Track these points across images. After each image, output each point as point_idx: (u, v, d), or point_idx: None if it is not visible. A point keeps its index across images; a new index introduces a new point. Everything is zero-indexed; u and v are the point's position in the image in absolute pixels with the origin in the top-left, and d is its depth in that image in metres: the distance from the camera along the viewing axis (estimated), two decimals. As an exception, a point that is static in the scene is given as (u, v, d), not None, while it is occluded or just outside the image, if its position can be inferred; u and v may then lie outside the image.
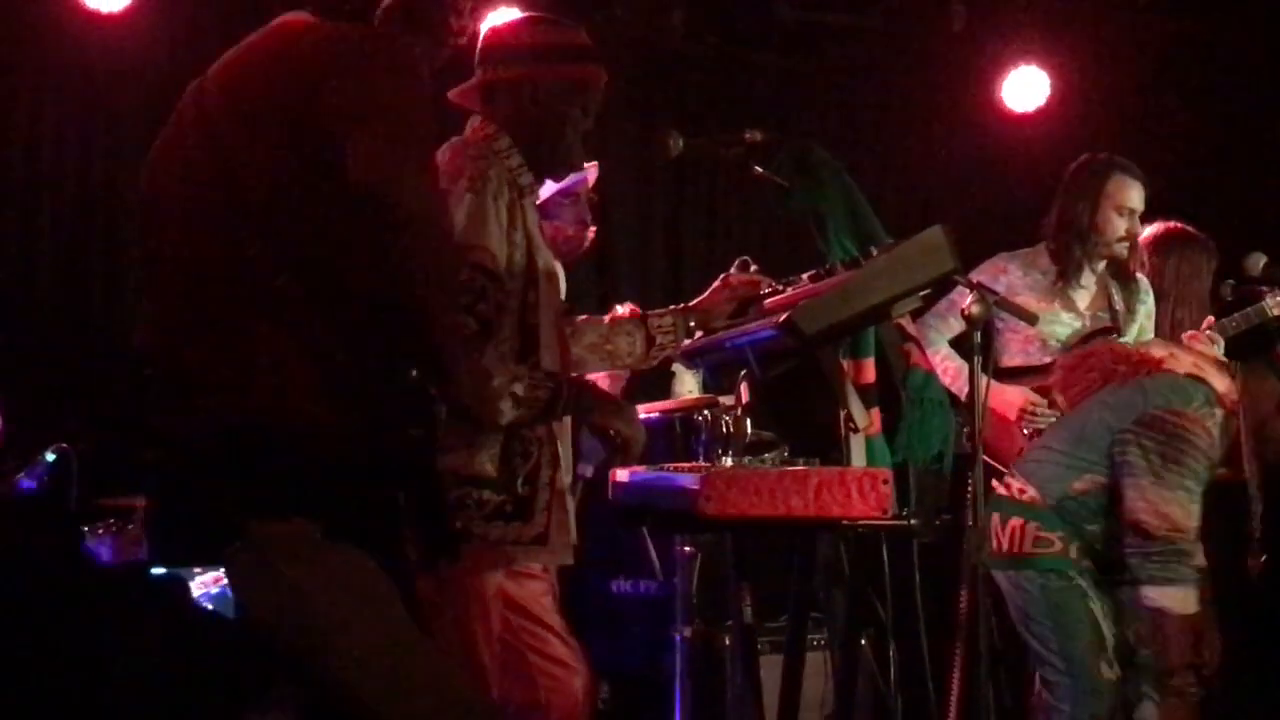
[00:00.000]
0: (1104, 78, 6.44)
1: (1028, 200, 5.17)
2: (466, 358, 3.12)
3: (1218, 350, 4.83)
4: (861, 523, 3.58)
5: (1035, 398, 4.91)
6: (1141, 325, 5.09)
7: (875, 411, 4.31)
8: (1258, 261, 4.51)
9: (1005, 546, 4.22)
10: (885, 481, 3.51)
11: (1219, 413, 4.16)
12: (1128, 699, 4.18)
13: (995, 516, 4.24)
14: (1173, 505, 4.05)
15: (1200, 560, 4.08)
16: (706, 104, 5.43)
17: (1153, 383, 4.22)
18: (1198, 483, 4.09)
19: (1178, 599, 4.04)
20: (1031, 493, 4.22)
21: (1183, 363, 4.26)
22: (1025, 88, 6.40)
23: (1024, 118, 6.44)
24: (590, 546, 5.38)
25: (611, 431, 3.49)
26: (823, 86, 6.02)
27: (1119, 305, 5.10)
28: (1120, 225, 5.00)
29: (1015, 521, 4.21)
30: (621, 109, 3.71)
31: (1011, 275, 5.14)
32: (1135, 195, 4.96)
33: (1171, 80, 6.51)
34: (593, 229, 4.68)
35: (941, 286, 3.68)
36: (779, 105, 5.65)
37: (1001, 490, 4.30)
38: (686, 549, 4.88)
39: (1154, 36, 6.53)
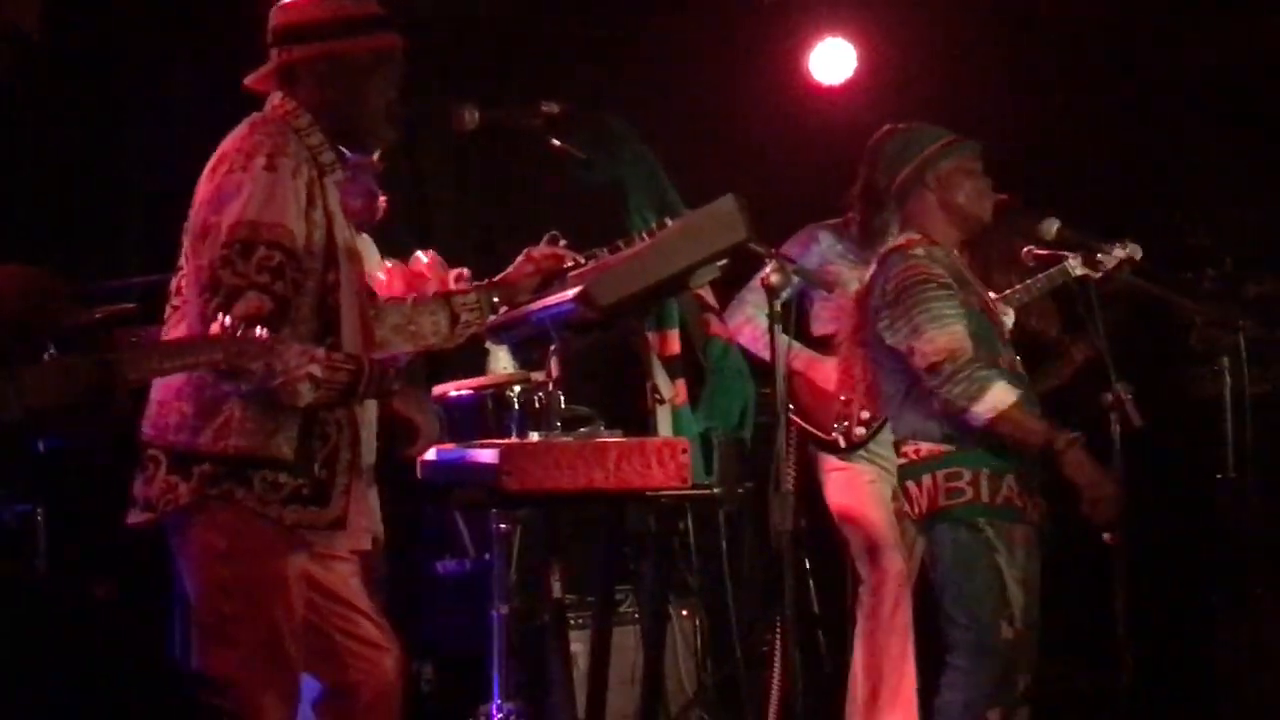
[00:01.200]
0: (911, 50, 6.51)
1: (838, 172, 5.19)
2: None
3: (1008, 321, 4.89)
4: (664, 493, 3.59)
5: None
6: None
7: (681, 382, 4.35)
8: (1051, 226, 4.56)
9: (923, 505, 4.25)
10: (684, 451, 3.53)
11: (919, 250, 4.24)
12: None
13: (910, 484, 4.28)
14: (936, 336, 4.11)
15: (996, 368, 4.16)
16: (507, 75, 5.39)
17: (874, 281, 4.30)
18: (944, 304, 4.14)
19: (997, 398, 4.09)
20: (924, 446, 4.26)
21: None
22: (832, 60, 6.44)
23: (832, 90, 6.48)
24: (416, 527, 5.40)
25: (410, 420, 3.47)
26: (629, 58, 6.01)
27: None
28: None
29: (926, 478, 4.25)
30: (425, 80, 3.67)
31: (823, 244, 5.19)
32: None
33: (981, 51, 6.61)
34: (383, 199, 4.63)
35: (737, 255, 3.69)
36: (584, 76, 5.64)
37: (902, 460, 4.33)
38: (502, 526, 4.86)
39: (962, 7, 6.62)
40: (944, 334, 4.12)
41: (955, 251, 4.33)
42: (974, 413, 4.08)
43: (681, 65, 6.25)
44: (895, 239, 4.33)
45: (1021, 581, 4.16)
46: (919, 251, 4.25)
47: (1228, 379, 4.72)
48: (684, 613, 5.30)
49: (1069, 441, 4.08)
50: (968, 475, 4.18)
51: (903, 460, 4.30)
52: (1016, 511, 4.20)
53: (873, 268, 4.36)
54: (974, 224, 4.36)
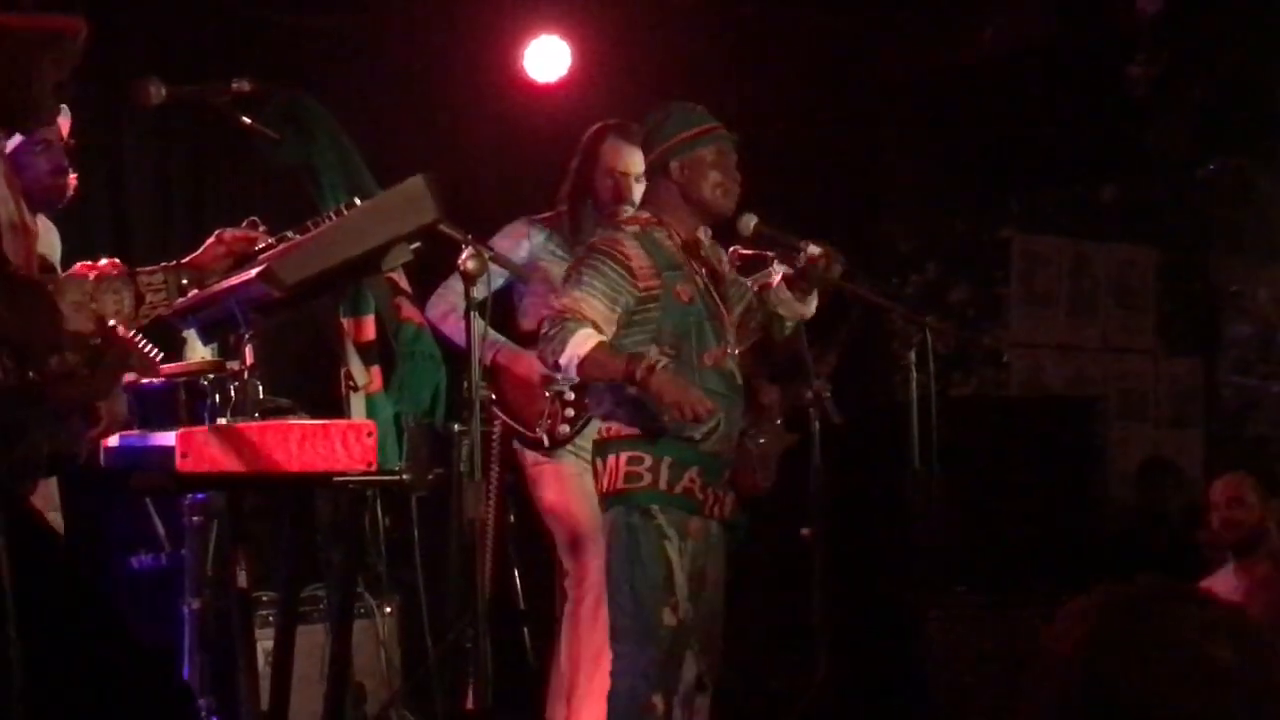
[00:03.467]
0: (626, 49, 6.56)
1: (551, 169, 5.19)
2: None
3: None
4: (350, 477, 3.53)
5: None
6: (746, 300, 5.19)
7: (376, 369, 4.30)
8: (748, 223, 4.58)
9: (605, 485, 4.25)
10: (370, 434, 3.49)
11: (632, 227, 4.27)
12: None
13: (597, 461, 4.27)
14: (558, 297, 4.16)
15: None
16: (210, 59, 5.27)
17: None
18: (602, 280, 4.15)
19: (578, 346, 4.08)
20: (615, 427, 4.25)
21: None
22: (547, 58, 6.45)
23: (546, 88, 6.49)
24: (111, 521, 5.23)
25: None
26: (337, 47, 5.93)
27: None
28: (613, 188, 5.08)
29: (611, 458, 4.25)
30: (120, 58, 3.58)
31: (534, 240, 5.16)
32: (628, 159, 5.04)
33: (696, 53, 6.71)
34: (73, 176, 4.48)
35: (432, 239, 3.66)
36: (291, 64, 5.53)
37: (597, 436, 4.32)
38: (195, 519, 4.73)
39: (677, 8, 6.71)
40: (572, 298, 4.14)
41: (684, 236, 4.34)
42: (563, 365, 4.10)
43: (392, 56, 6.18)
44: (622, 217, 4.36)
45: (691, 573, 4.21)
46: (629, 230, 4.26)
47: (914, 375, 4.83)
48: (387, 609, 5.24)
49: (648, 368, 4.09)
50: (649, 461, 4.21)
51: (597, 436, 4.32)
52: (695, 504, 4.24)
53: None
54: (715, 216, 4.38)
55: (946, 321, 5.56)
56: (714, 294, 4.37)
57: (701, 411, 4.07)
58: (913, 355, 4.86)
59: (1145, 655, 1.64)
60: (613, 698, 4.22)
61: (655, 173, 4.37)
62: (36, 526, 2.57)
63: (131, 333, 3.08)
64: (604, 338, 4.12)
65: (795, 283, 4.57)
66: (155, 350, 3.23)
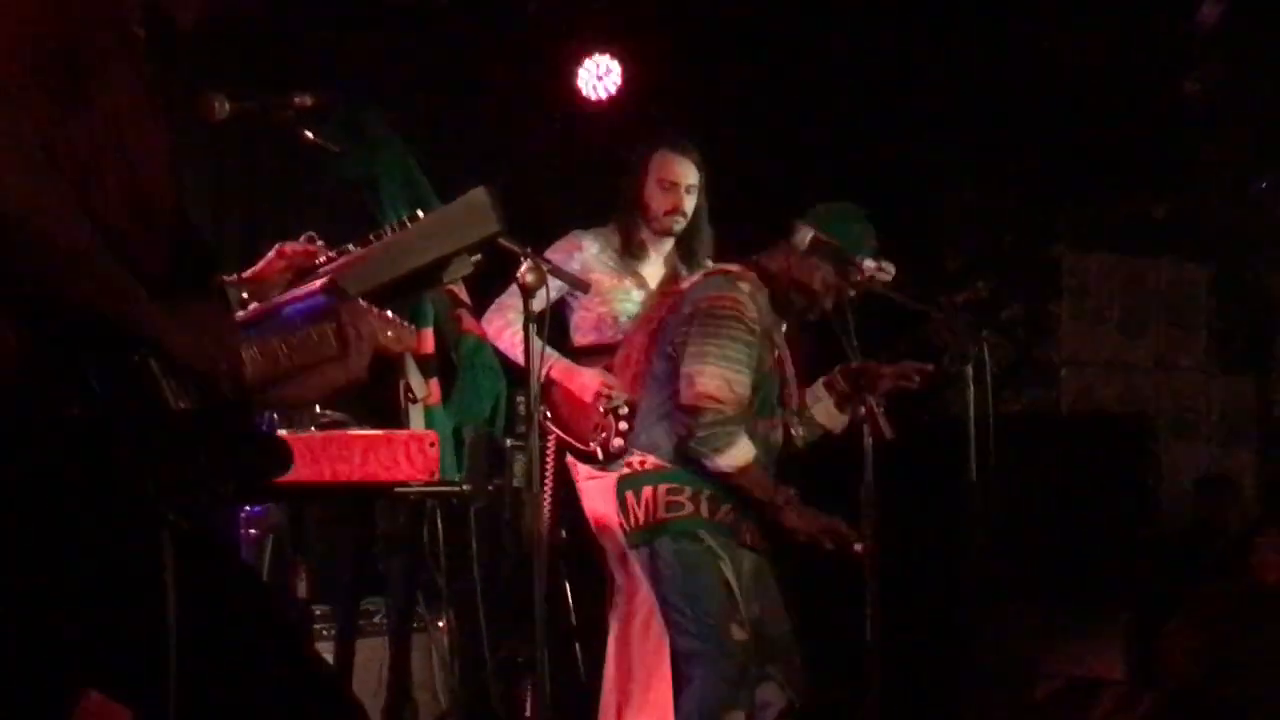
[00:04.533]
0: (676, 68, 6.62)
1: (605, 185, 5.23)
2: None
3: None
4: (411, 488, 3.56)
5: (610, 379, 4.95)
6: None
7: (434, 382, 4.33)
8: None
9: (640, 518, 4.27)
10: (432, 444, 3.51)
11: (746, 286, 4.34)
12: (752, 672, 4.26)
13: (629, 495, 4.30)
14: (713, 378, 4.18)
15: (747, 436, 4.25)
16: (261, 76, 5.32)
17: (692, 289, 4.36)
18: (742, 349, 4.22)
19: (738, 455, 4.20)
20: (651, 459, 4.29)
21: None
22: (598, 76, 6.54)
23: (598, 105, 6.57)
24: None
25: None
26: (392, 59, 5.99)
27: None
28: (664, 200, 5.11)
29: (646, 490, 4.27)
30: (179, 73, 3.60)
31: (587, 252, 5.19)
32: (679, 170, 5.06)
33: (744, 70, 6.74)
34: None
35: (492, 251, 3.68)
36: (353, 80, 5.58)
37: (625, 470, 4.35)
38: (252, 532, 4.76)
39: (724, 26, 6.75)
40: (720, 378, 4.20)
41: (775, 306, 4.41)
42: (719, 465, 4.22)
43: (450, 73, 6.24)
44: (724, 263, 4.41)
45: (744, 591, 4.25)
46: (744, 287, 4.31)
47: (970, 388, 4.82)
48: (440, 623, 5.26)
49: (787, 499, 4.25)
50: (689, 491, 4.26)
51: (625, 470, 4.34)
52: (733, 529, 4.30)
53: (686, 281, 4.40)
54: (800, 316, 4.47)
55: (1003, 337, 5.55)
56: (782, 364, 4.42)
57: (843, 537, 4.24)
58: (969, 369, 4.86)
59: None
60: (687, 718, 4.24)
61: (800, 245, 4.41)
62: (221, 561, 2.55)
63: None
64: (755, 452, 4.27)
65: (835, 387, 4.62)
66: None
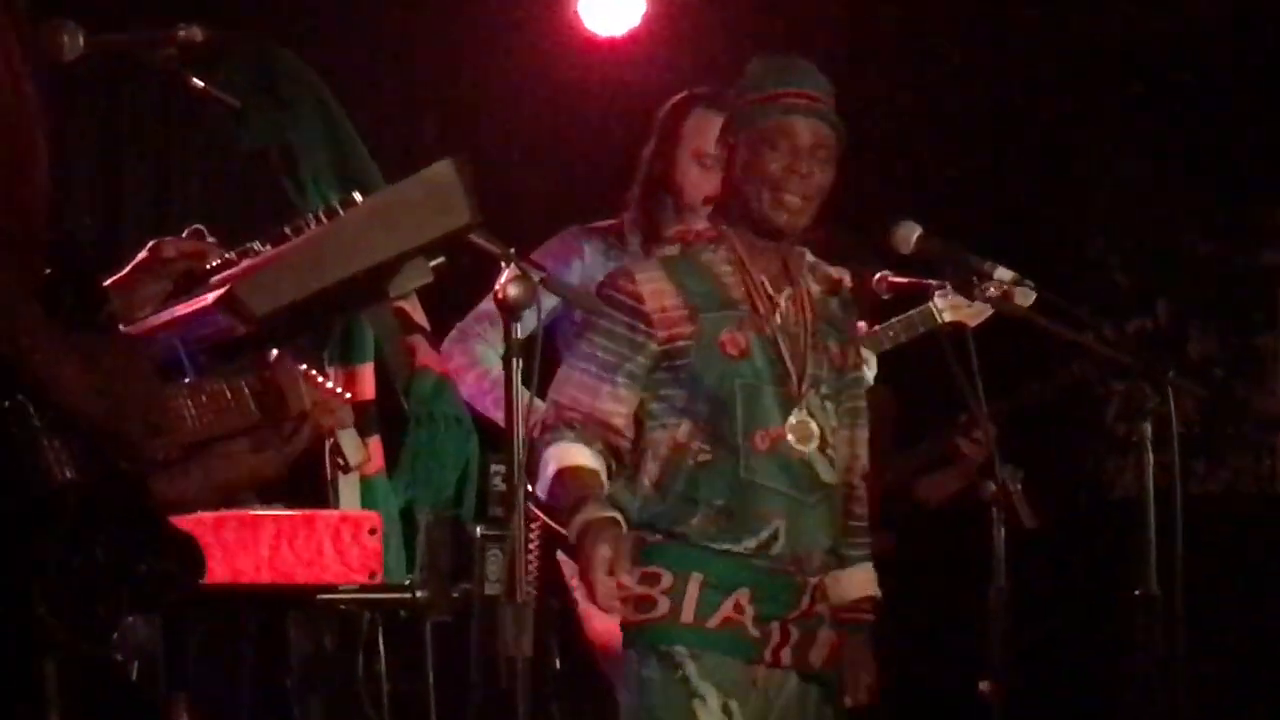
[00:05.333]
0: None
1: (619, 156, 5.24)
2: None
3: (869, 375, 4.98)
4: (342, 593, 3.56)
5: None
6: None
7: (375, 441, 4.32)
8: (910, 234, 4.57)
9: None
10: (372, 531, 3.51)
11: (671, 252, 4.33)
12: None
13: None
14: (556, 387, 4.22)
15: None
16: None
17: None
18: (605, 346, 4.21)
19: (546, 467, 4.16)
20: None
21: None
22: (611, 6, 6.54)
23: (610, 45, 6.58)
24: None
25: None
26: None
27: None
28: (703, 180, 5.10)
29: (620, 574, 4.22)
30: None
31: (589, 258, 5.20)
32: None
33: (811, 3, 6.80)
34: None
35: (457, 251, 3.68)
36: (264, 7, 5.62)
37: None
38: (115, 656, 4.76)
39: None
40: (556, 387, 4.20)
41: (752, 258, 4.34)
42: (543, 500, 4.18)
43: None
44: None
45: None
46: (660, 255, 4.29)
47: (1149, 458, 4.80)
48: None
49: (582, 526, 4.06)
50: (668, 578, 4.19)
51: None
52: (745, 643, 4.22)
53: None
54: (765, 232, 4.34)
55: (1193, 384, 5.53)
56: (792, 347, 4.35)
57: (606, 600, 4.04)
58: (1148, 429, 4.84)
59: None
60: None
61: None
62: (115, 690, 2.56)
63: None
64: (582, 458, 4.15)
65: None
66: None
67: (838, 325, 4.41)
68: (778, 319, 4.30)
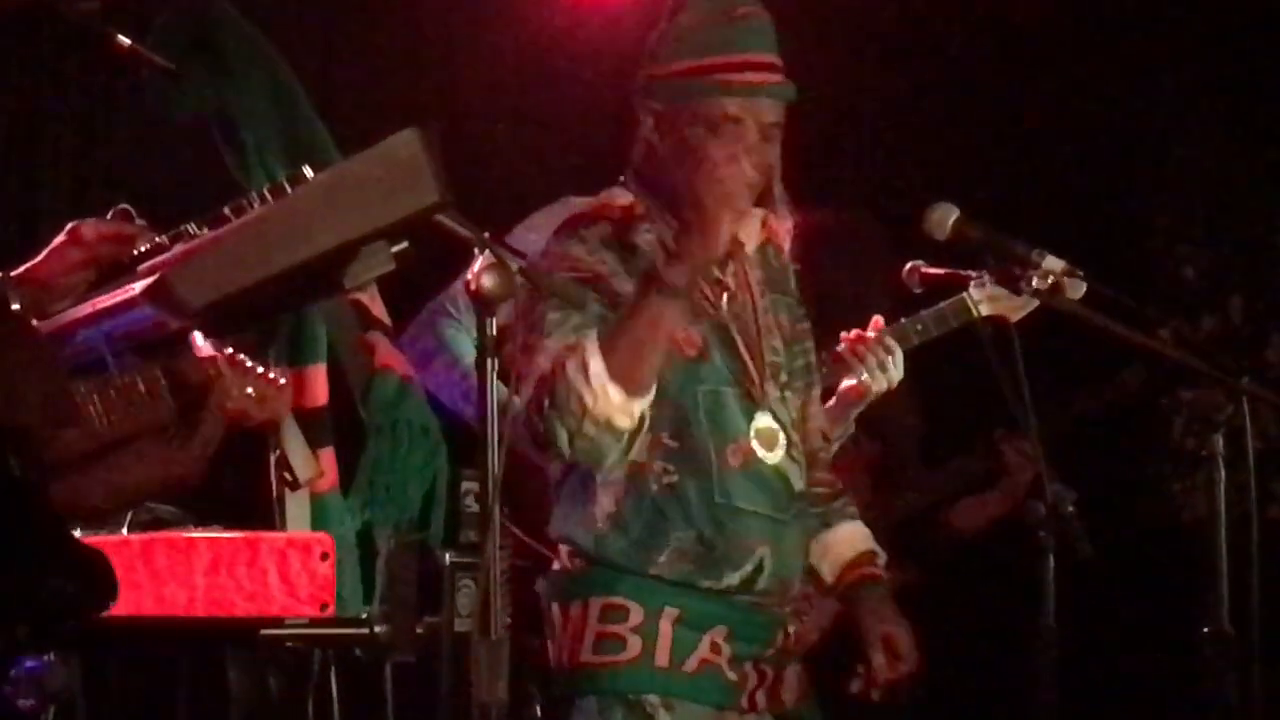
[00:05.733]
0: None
1: (608, 124, 5.26)
2: None
3: (895, 373, 5.00)
4: (290, 628, 3.57)
5: None
6: None
7: (328, 454, 4.33)
8: (946, 216, 4.57)
9: (563, 653, 4.19)
10: (325, 556, 3.52)
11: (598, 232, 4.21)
12: None
13: (556, 607, 4.23)
14: (541, 356, 4.07)
15: None
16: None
17: None
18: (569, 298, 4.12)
19: (590, 358, 4.01)
20: (576, 554, 4.20)
21: None
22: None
23: (599, 5, 6.61)
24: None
25: None
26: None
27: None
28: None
29: (575, 607, 4.19)
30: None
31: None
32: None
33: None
34: None
35: (422, 234, 3.69)
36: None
37: (554, 565, 4.26)
38: (25, 702, 4.79)
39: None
40: (539, 350, 4.04)
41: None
42: (590, 410, 3.98)
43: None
44: (588, 201, 4.34)
45: None
46: (589, 236, 4.21)
47: (1220, 476, 4.81)
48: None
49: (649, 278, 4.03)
50: (637, 615, 4.15)
51: (554, 566, 4.24)
52: (722, 687, 4.22)
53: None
54: (709, 202, 4.29)
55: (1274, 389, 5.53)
56: (746, 336, 4.32)
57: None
58: (1219, 443, 4.85)
59: None
60: None
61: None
62: None
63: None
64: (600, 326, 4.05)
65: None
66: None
67: (781, 285, 4.39)
68: (725, 304, 4.26)
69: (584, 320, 4.06)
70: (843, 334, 5.02)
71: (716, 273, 4.22)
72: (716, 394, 4.18)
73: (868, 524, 4.95)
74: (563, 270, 4.13)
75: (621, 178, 4.31)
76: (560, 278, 4.13)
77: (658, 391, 4.09)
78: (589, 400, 3.98)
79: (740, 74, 4.19)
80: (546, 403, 4.02)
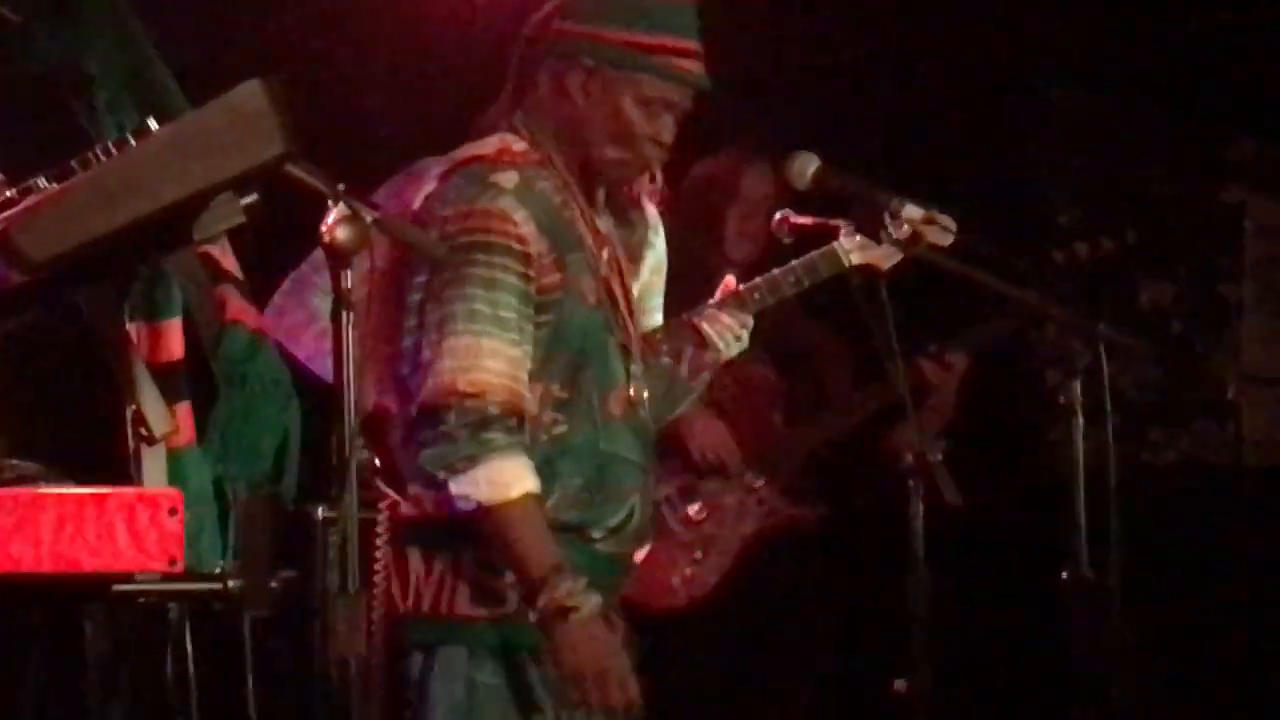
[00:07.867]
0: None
1: (486, 75, 5.23)
2: None
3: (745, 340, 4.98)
4: (142, 583, 3.54)
5: None
6: (646, 282, 5.23)
7: (185, 407, 4.30)
8: (806, 166, 4.60)
9: (417, 600, 4.16)
10: (173, 511, 3.48)
11: (510, 178, 4.18)
12: None
13: (413, 556, 4.20)
14: (451, 358, 4.08)
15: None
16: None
17: (427, 205, 4.25)
18: (507, 300, 4.08)
19: (495, 481, 4.03)
20: (430, 500, 4.17)
21: None
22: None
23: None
24: None
25: None
26: None
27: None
28: (747, 225, 5.29)
29: (440, 559, 4.17)
30: None
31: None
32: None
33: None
34: None
35: (274, 187, 3.67)
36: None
37: (410, 511, 4.23)
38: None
39: None
40: (459, 349, 4.06)
41: (580, 187, 4.30)
42: (468, 496, 4.04)
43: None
44: (481, 144, 4.31)
45: None
46: (506, 182, 4.18)
47: (1079, 424, 4.84)
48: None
49: (555, 607, 4.02)
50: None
51: (411, 512, 4.20)
52: None
53: (429, 184, 4.30)
54: (614, 167, 4.31)
55: (1139, 338, 5.57)
56: (619, 288, 4.33)
57: (618, 700, 4.07)
58: (1077, 389, 4.88)
59: None
60: None
61: (547, 64, 4.30)
62: None
63: None
64: (526, 480, 4.07)
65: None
66: None
67: (630, 223, 4.47)
68: (604, 254, 4.31)
69: (491, 328, 4.10)
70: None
71: (600, 225, 4.25)
72: (604, 342, 4.23)
73: (778, 462, 4.98)
74: (479, 229, 4.13)
75: (510, 122, 4.30)
76: (415, 230, 4.11)
77: (558, 340, 4.16)
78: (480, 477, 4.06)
79: (681, 60, 4.26)
80: (429, 434, 4.08)
